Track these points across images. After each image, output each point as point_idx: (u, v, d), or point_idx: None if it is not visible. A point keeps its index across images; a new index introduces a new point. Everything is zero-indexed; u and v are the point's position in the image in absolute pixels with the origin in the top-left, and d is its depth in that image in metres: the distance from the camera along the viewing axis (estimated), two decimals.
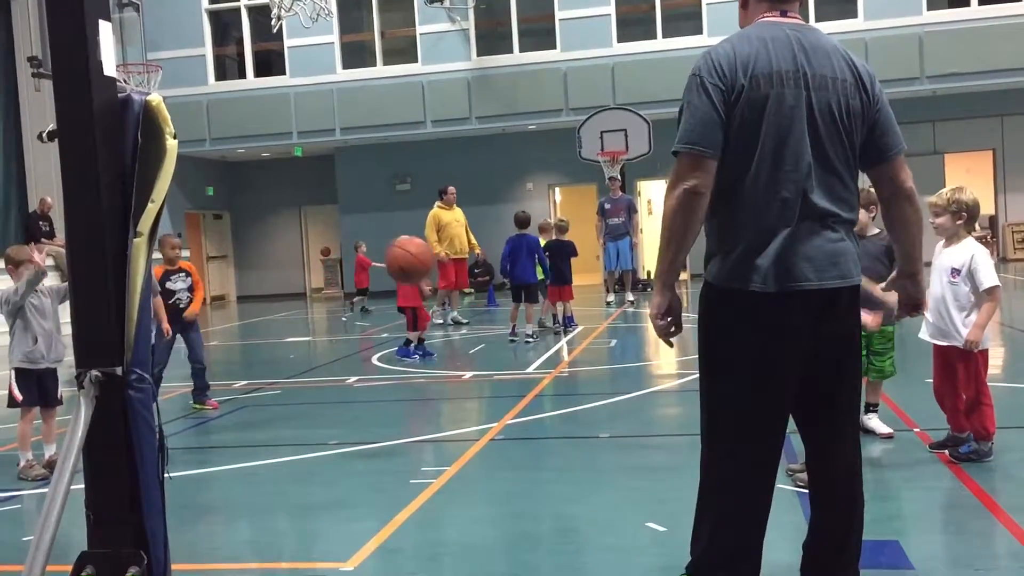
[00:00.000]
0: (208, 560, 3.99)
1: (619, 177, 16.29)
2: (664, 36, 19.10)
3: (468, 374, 9.04)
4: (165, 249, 7.55)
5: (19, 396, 5.53)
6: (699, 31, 18.83)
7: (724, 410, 2.87)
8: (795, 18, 2.88)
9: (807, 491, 3.11)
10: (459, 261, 13.33)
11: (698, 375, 2.98)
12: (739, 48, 2.77)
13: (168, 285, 7.43)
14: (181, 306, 7.48)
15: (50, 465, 5.51)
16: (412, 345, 10.09)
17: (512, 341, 10.97)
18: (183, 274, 7.56)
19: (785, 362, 2.79)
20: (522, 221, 11.58)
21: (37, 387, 5.56)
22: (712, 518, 2.91)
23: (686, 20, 19.21)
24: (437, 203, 13.34)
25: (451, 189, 13.47)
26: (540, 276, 11.66)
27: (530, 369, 9.02)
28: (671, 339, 2.91)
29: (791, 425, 2.92)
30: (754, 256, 2.74)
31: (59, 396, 5.73)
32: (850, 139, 2.81)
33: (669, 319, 2.87)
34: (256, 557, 4.11)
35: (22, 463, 5.59)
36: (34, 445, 5.72)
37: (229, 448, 6.41)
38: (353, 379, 8.98)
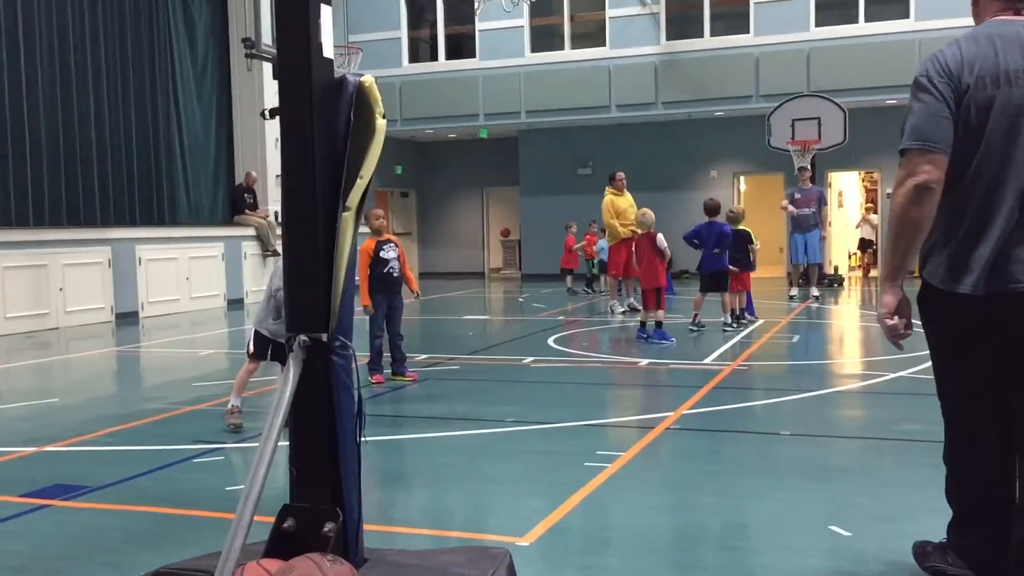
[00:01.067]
0: (388, 523, 4.16)
1: (809, 167, 15.70)
2: (866, 20, 18.20)
3: (644, 361, 8.99)
4: (371, 220, 7.76)
5: (251, 348, 6.06)
6: (906, 15, 17.84)
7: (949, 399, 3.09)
8: None
9: None
10: None
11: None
12: (966, 48, 2.75)
13: (381, 255, 7.64)
14: (395, 275, 7.70)
15: None
16: (658, 327, 10.36)
17: (692, 330, 10.83)
18: (391, 244, 7.78)
19: (994, 363, 2.83)
20: (712, 208, 11.31)
21: (271, 350, 6.00)
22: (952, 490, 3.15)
23: (891, 4, 18.23)
24: (608, 188, 12.95)
25: (620, 174, 13.05)
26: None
27: (707, 360, 8.88)
28: (901, 341, 2.90)
29: None
30: (968, 256, 2.72)
31: None
32: None
33: (899, 319, 2.85)
34: (433, 524, 4.26)
35: (229, 405, 6.10)
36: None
37: (409, 418, 6.66)
38: (529, 359, 9.11)
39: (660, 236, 10.48)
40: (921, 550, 3.45)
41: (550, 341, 10.45)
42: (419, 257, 24.42)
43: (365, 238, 7.89)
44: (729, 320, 11.02)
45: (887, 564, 3.57)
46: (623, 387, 8.05)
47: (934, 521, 3.82)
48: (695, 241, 11.11)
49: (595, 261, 17.11)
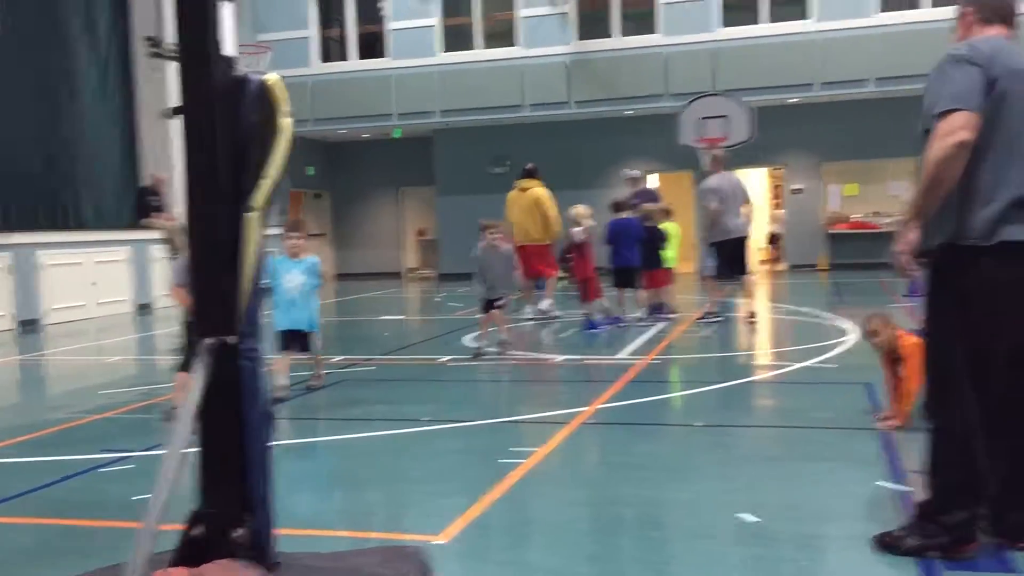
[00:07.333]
0: (304, 526, 4.12)
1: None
2: (771, 20, 18.70)
3: (559, 357, 9.07)
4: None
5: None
6: (807, 15, 18.37)
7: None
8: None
9: None
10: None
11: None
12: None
13: None
14: None
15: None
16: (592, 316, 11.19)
17: (621, 325, 11.01)
18: None
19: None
20: (621, 205, 11.50)
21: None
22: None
23: (793, 4, 18.77)
24: (537, 183, 12.52)
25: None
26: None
27: (622, 355, 9.00)
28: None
29: None
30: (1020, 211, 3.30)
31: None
32: None
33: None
34: (350, 526, 4.22)
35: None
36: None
37: (325, 420, 6.59)
38: (445, 358, 9.10)
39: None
40: (889, 539, 3.50)
41: (466, 340, 10.45)
42: (334, 258, 24.14)
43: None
44: (640, 315, 11.23)
45: (797, 548, 3.68)
46: (538, 383, 8.11)
47: (841, 505, 3.95)
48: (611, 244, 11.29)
49: None
